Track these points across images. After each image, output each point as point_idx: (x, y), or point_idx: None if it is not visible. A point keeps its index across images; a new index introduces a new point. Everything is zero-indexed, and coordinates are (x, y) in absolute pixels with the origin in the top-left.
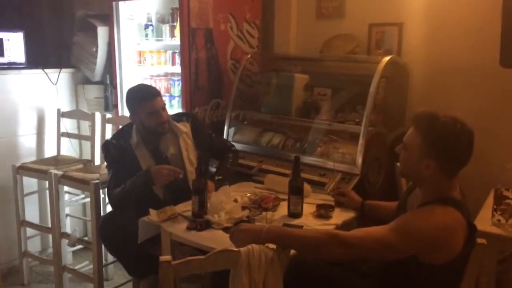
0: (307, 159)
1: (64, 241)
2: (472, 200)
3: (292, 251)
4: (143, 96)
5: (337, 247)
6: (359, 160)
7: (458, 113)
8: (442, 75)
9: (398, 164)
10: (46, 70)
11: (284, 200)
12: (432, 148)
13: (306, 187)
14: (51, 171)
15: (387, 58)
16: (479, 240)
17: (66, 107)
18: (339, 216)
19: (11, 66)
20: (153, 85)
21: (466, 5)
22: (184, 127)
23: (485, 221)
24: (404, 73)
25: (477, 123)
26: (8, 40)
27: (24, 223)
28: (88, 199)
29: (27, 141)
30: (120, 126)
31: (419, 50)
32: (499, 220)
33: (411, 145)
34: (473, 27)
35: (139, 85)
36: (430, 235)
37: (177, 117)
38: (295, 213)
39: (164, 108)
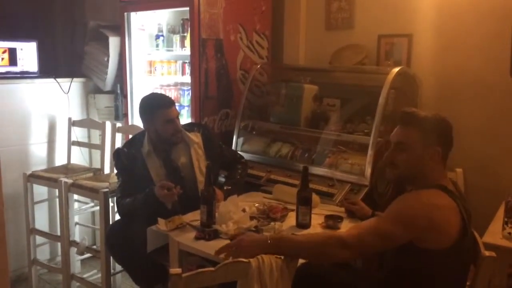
0: (315, 170)
1: (73, 250)
2: (483, 212)
3: (300, 261)
4: (161, 104)
5: (340, 249)
6: (368, 171)
7: (468, 124)
8: (452, 86)
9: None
10: (58, 80)
11: (292, 210)
12: (434, 135)
13: (315, 197)
14: (61, 179)
15: (396, 69)
16: (487, 253)
17: (77, 116)
18: (348, 227)
19: (24, 75)
20: None
21: (476, 17)
22: (196, 137)
23: (495, 234)
24: (414, 84)
25: (487, 135)
26: (22, 49)
27: (33, 231)
28: (97, 208)
29: (38, 150)
30: (130, 135)
31: (428, 62)
32: (510, 233)
33: (409, 141)
34: (483, 39)
35: (154, 93)
36: (421, 214)
37: (189, 127)
38: (303, 224)
39: (178, 118)
